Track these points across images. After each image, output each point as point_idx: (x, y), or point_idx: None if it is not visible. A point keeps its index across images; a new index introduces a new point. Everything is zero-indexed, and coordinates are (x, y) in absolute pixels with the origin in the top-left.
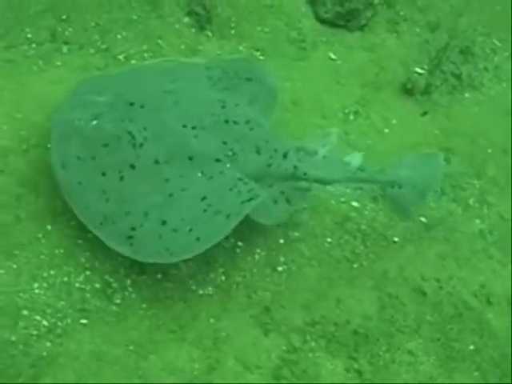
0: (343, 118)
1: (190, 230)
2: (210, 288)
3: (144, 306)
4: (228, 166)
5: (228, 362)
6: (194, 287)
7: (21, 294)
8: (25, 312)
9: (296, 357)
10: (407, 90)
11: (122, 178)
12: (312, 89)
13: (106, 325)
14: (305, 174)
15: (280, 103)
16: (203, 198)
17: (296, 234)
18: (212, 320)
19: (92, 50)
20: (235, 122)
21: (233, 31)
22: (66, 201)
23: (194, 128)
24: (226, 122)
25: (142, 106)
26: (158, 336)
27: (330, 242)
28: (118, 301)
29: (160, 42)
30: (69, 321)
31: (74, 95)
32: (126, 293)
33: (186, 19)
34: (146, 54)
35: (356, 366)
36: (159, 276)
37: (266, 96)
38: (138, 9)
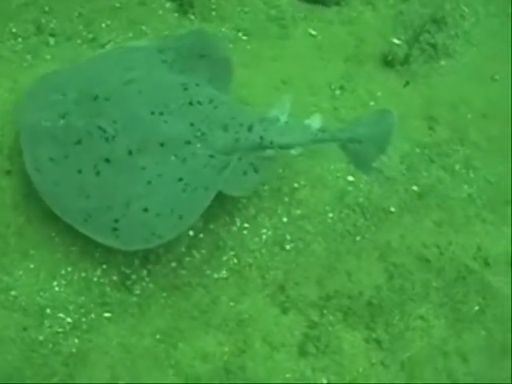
0: (331, 93)
1: (172, 210)
2: (223, 272)
3: (164, 294)
4: (198, 146)
5: (255, 343)
6: (208, 272)
7: (41, 293)
8: (48, 311)
9: (317, 332)
10: (388, 62)
11: (98, 173)
12: (298, 67)
13: (130, 316)
14: (271, 142)
15: (271, 83)
16: (180, 179)
17: (298, 211)
18: (232, 303)
19: (79, 41)
20: (199, 103)
21: (214, 13)
22: (46, 203)
23: (161, 114)
24: (191, 103)
25: (106, 99)
26: (183, 323)
27: (331, 218)
28: (137, 292)
29: (144, 28)
30: (92, 316)
31: (34, 95)
32: (144, 283)
33: (168, 4)
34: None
35: (374, 335)
36: (174, 264)
37: (222, 69)
38: None
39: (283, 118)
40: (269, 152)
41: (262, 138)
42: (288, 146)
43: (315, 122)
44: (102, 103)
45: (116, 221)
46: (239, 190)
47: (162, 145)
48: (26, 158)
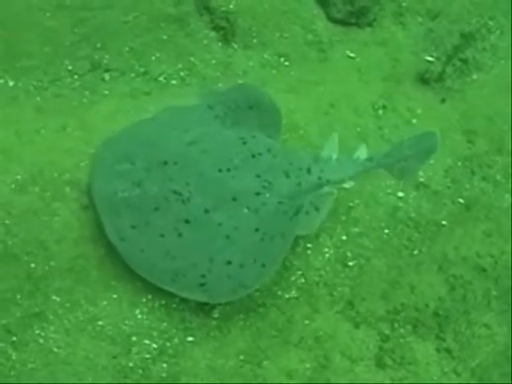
0: (374, 113)
1: (254, 260)
2: (294, 291)
3: (241, 316)
4: (267, 195)
5: (335, 357)
6: (280, 292)
7: (126, 322)
8: (134, 338)
9: (391, 344)
10: (424, 80)
11: (180, 235)
12: (341, 89)
13: (212, 339)
14: (328, 180)
15: (319, 107)
16: (257, 230)
17: (356, 229)
18: (306, 321)
19: (132, 75)
20: (260, 154)
21: (255, 40)
22: (132, 268)
23: (228, 170)
24: (253, 156)
25: (175, 163)
26: (263, 343)
27: (387, 233)
28: (216, 315)
29: (192, 59)
30: (176, 340)
31: (103, 164)
32: (221, 307)
33: (212, 34)
34: (182, 73)
35: (444, 345)
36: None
37: (270, 116)
38: (166, 29)
39: (334, 156)
40: (325, 189)
41: (319, 178)
42: (342, 181)
43: (362, 153)
44: (172, 168)
45: (203, 276)
46: (304, 229)
47: (234, 199)
48: (107, 229)
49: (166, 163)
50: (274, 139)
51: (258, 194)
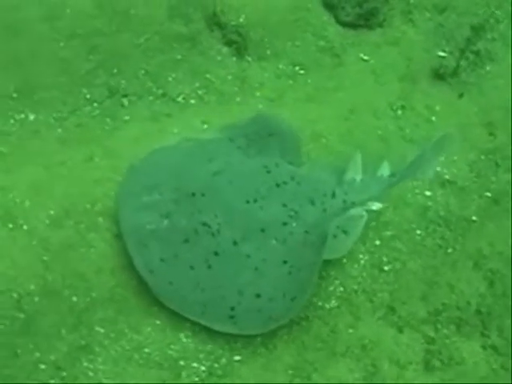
0: (393, 114)
1: (284, 294)
2: (333, 301)
3: (285, 330)
4: (294, 225)
5: (383, 365)
6: (320, 303)
7: (172, 346)
8: (181, 362)
9: (437, 346)
10: (439, 76)
11: (209, 267)
12: (359, 93)
13: (258, 356)
14: (353, 203)
15: (339, 114)
16: (285, 262)
17: (388, 233)
18: (350, 330)
19: (151, 98)
20: (285, 183)
21: (268, 51)
22: (161, 301)
23: (255, 201)
24: (278, 185)
25: (203, 195)
26: (310, 356)
27: (419, 234)
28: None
29: (208, 76)
30: (224, 360)
31: (129, 194)
32: None
33: (225, 49)
34: (199, 91)
35: (490, 342)
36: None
37: (290, 143)
38: (178, 48)
39: (358, 176)
40: (352, 212)
41: (344, 201)
42: (367, 202)
43: (385, 170)
44: (200, 199)
45: (232, 309)
46: (334, 254)
47: (262, 230)
48: (136, 261)
49: (193, 195)
50: (296, 165)
51: (285, 224)
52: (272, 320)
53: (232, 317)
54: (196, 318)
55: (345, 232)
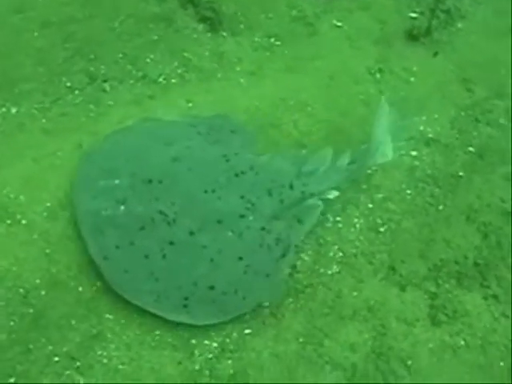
0: (372, 78)
1: (236, 291)
2: (334, 266)
3: (291, 300)
4: (251, 218)
5: (391, 324)
6: (322, 270)
7: (182, 326)
8: (193, 341)
9: (440, 301)
10: (413, 36)
11: (164, 256)
12: (336, 60)
13: (269, 327)
14: (311, 193)
15: (320, 82)
16: (240, 258)
17: (379, 195)
18: (354, 293)
19: (132, 81)
20: (243, 173)
21: (242, 25)
22: (114, 288)
23: (213, 191)
24: (236, 175)
25: (160, 182)
26: (319, 322)
27: (410, 194)
28: (266, 303)
29: (186, 54)
30: (235, 335)
31: (85, 180)
32: None
33: (200, 26)
34: (179, 70)
35: (490, 292)
36: (288, 271)
37: (251, 141)
38: (154, 29)
39: (318, 168)
40: (309, 202)
41: (303, 192)
42: (327, 191)
43: (344, 159)
44: (157, 186)
45: (186, 299)
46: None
47: (219, 222)
48: (91, 247)
49: (151, 181)
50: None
51: (242, 216)
52: (222, 313)
53: (185, 306)
54: (149, 307)
55: (299, 221)
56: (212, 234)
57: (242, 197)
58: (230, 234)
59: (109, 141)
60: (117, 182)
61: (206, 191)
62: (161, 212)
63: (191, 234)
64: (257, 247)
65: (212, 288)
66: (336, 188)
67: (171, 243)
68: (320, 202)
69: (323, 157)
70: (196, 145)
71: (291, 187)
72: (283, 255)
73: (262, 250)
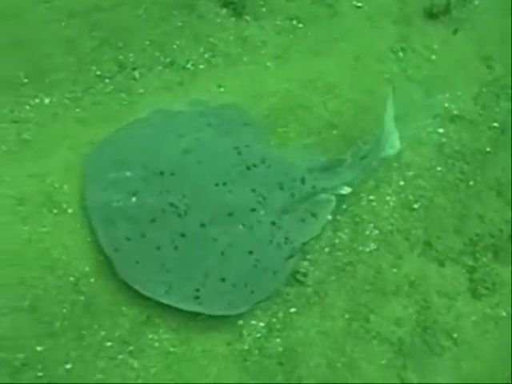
0: (395, 57)
1: (246, 284)
2: (372, 244)
3: (332, 278)
4: (262, 212)
5: (433, 298)
6: (360, 248)
7: None
8: (240, 322)
9: (479, 274)
10: (432, 15)
11: (175, 248)
12: (359, 40)
13: (313, 306)
14: (323, 188)
15: (345, 63)
16: (250, 252)
17: (410, 172)
18: (394, 269)
19: (160, 67)
20: (255, 166)
21: (264, 9)
22: (124, 280)
23: (225, 184)
24: (248, 168)
25: (172, 174)
26: (362, 298)
27: (440, 171)
28: (309, 282)
29: (211, 39)
30: (281, 314)
31: (96, 171)
32: (311, 273)
33: (224, 11)
34: (206, 56)
35: None
36: (328, 249)
37: (263, 135)
38: (178, 15)
39: (334, 165)
40: (322, 196)
41: (314, 187)
42: (339, 186)
43: (356, 155)
44: (169, 178)
45: (197, 290)
46: (303, 236)
47: (230, 215)
48: (102, 239)
49: (162, 173)
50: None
51: (253, 209)
52: (231, 306)
53: (197, 297)
54: (160, 298)
55: (313, 215)
56: (223, 227)
57: (254, 190)
58: (241, 227)
59: (120, 133)
60: (128, 173)
61: (217, 184)
62: (172, 204)
63: (202, 226)
64: (266, 243)
65: (223, 280)
66: (348, 184)
67: (182, 235)
68: (333, 197)
69: (335, 153)
70: (207, 136)
71: (303, 181)
72: (291, 256)
73: (271, 246)
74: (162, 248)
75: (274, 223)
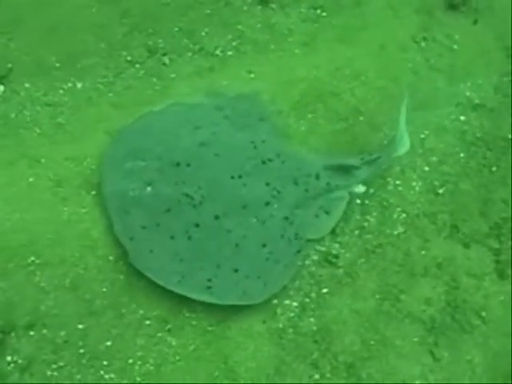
0: (417, 46)
1: (259, 276)
2: (400, 227)
3: (362, 260)
4: (276, 206)
5: (462, 278)
6: (388, 231)
7: None
8: (275, 301)
9: (505, 256)
10: (452, 5)
11: (189, 238)
12: (382, 29)
13: (345, 286)
14: (337, 185)
15: (371, 51)
16: (264, 245)
17: (434, 158)
18: (422, 251)
19: (189, 54)
20: (270, 160)
21: None
22: (137, 268)
23: (240, 177)
24: (263, 162)
25: (188, 165)
26: (392, 279)
27: (463, 157)
28: (340, 264)
29: (239, 27)
30: (313, 295)
31: (113, 163)
32: (342, 255)
33: None
34: (234, 43)
35: None
36: (357, 232)
37: (279, 130)
38: (206, 3)
39: (347, 162)
40: (336, 193)
41: (328, 184)
42: (353, 184)
43: (371, 154)
44: (185, 170)
45: (209, 280)
46: (315, 233)
47: (244, 207)
48: (117, 227)
49: (178, 164)
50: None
51: (267, 203)
52: (246, 296)
53: (209, 287)
54: (172, 287)
55: (327, 212)
56: (237, 219)
57: (268, 184)
58: (255, 220)
59: (138, 123)
60: (145, 163)
61: (232, 177)
62: (187, 195)
63: (216, 217)
64: (278, 237)
65: (236, 271)
66: (362, 182)
67: (197, 225)
68: (347, 194)
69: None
70: (223, 130)
71: (317, 178)
72: (299, 251)
73: (282, 240)
74: (175, 238)
75: (286, 218)
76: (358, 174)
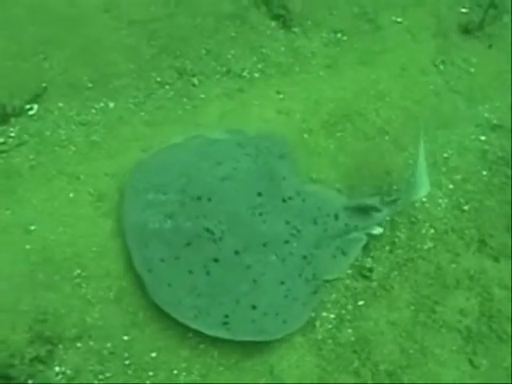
0: (436, 70)
1: (277, 314)
2: (429, 242)
3: (395, 273)
4: (295, 245)
5: (494, 290)
6: (418, 246)
7: None
8: (312, 314)
9: None
10: (467, 30)
11: (208, 273)
12: (403, 53)
13: (380, 298)
14: (355, 226)
15: (393, 73)
16: (282, 283)
17: (458, 176)
18: (453, 265)
19: (217, 76)
20: (290, 198)
21: (309, 22)
22: (154, 300)
23: (260, 214)
24: (284, 200)
25: (209, 200)
26: (425, 291)
27: (485, 175)
28: (374, 277)
29: (264, 50)
30: (350, 307)
31: (134, 195)
32: (374, 269)
33: (273, 23)
34: (259, 65)
35: None
36: (388, 248)
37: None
38: (232, 26)
39: (365, 203)
40: (354, 234)
41: (347, 224)
42: (371, 226)
43: (390, 196)
44: (206, 204)
45: (226, 316)
46: (331, 273)
47: (264, 245)
48: (135, 259)
49: (199, 198)
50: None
51: (287, 241)
52: (264, 333)
53: (226, 323)
54: (188, 322)
55: (344, 253)
56: (257, 256)
57: (288, 222)
58: (274, 257)
59: (159, 155)
60: (166, 196)
61: (252, 214)
62: (208, 230)
63: (236, 253)
64: (296, 276)
65: (254, 308)
66: (380, 224)
67: (216, 260)
68: (364, 236)
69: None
70: (245, 166)
71: (336, 218)
72: (315, 292)
73: (300, 279)
74: (194, 272)
75: (304, 257)
76: (376, 216)
